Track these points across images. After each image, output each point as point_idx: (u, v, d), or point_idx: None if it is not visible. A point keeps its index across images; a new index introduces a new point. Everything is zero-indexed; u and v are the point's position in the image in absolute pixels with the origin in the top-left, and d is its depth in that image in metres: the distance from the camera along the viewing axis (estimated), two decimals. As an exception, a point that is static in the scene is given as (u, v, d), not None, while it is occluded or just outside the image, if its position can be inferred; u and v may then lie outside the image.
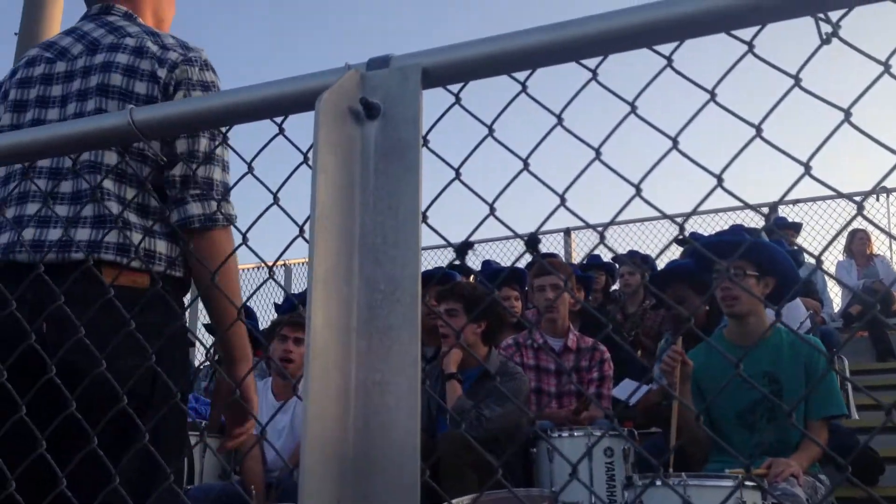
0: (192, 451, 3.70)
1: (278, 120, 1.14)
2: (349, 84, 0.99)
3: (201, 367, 5.70)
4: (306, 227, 1.11)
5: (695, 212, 0.98)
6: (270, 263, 1.23)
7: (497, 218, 0.99)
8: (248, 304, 6.49)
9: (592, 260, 6.49)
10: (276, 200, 1.13)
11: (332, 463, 0.88)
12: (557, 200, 0.96)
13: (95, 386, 1.32)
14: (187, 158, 1.67)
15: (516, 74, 1.03)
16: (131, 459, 1.35)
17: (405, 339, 0.93)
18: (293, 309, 5.45)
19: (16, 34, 7.18)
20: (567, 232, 9.15)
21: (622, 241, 9.02)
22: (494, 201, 0.99)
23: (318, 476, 0.86)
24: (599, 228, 1.02)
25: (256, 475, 3.84)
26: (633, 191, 0.91)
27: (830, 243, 0.85)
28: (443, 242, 1.32)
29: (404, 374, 0.92)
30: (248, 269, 9.65)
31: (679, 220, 0.99)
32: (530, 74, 1.00)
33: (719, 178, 0.85)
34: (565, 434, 3.25)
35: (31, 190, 1.70)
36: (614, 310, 5.66)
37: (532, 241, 4.73)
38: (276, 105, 1.09)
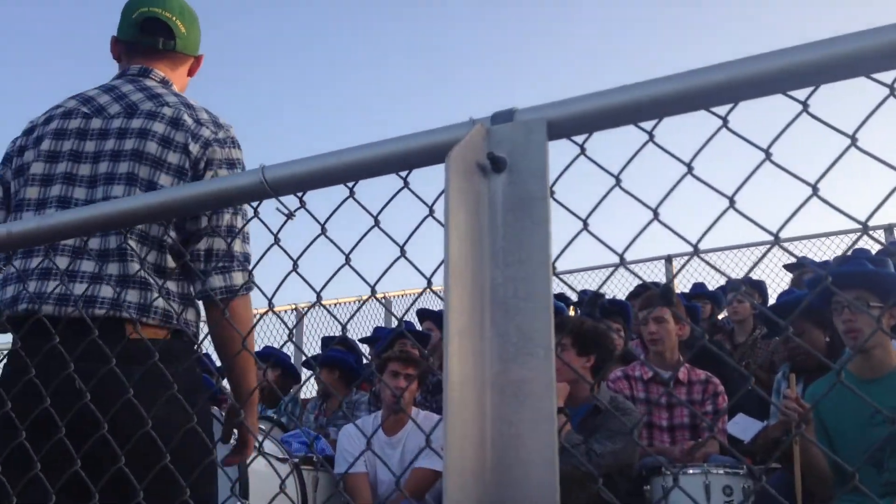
0: (306, 483, 3.77)
1: (403, 174, 1.17)
2: (476, 139, 1.01)
3: (314, 398, 5.82)
4: (433, 279, 1.13)
5: (843, 256, 0.95)
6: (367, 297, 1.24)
7: (629, 269, 0.98)
8: (350, 337, 6.60)
9: (697, 289, 6.33)
10: (402, 253, 1.15)
11: (472, 518, 0.88)
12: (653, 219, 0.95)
13: (125, 438, 1.40)
14: (210, 232, 1.81)
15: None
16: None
17: (539, 392, 0.93)
18: (390, 342, 5.51)
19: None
20: (668, 259, 8.94)
21: (726, 267, 8.77)
22: (625, 252, 0.98)
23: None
24: (740, 284, 1.00)
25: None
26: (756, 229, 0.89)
27: None
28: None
29: (540, 428, 0.92)
30: (349, 303, 9.80)
31: (787, 245, 0.96)
32: (657, 124, 0.99)
33: (865, 226, 0.83)
34: (680, 471, 3.16)
35: (59, 243, 1.79)
36: (723, 340, 5.50)
37: (666, 292, 4.64)
38: (404, 160, 1.12)
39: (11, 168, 1.96)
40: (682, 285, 7.99)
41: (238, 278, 1.84)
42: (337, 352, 5.46)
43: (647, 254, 8.74)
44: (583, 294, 6.82)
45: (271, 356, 5.80)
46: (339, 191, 1.23)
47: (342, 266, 1.16)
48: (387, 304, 10.10)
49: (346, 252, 1.18)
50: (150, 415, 1.41)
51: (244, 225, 1.88)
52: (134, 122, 1.89)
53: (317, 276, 1.24)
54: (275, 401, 5.56)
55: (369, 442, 1.18)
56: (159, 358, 1.46)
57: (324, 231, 1.20)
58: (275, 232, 1.24)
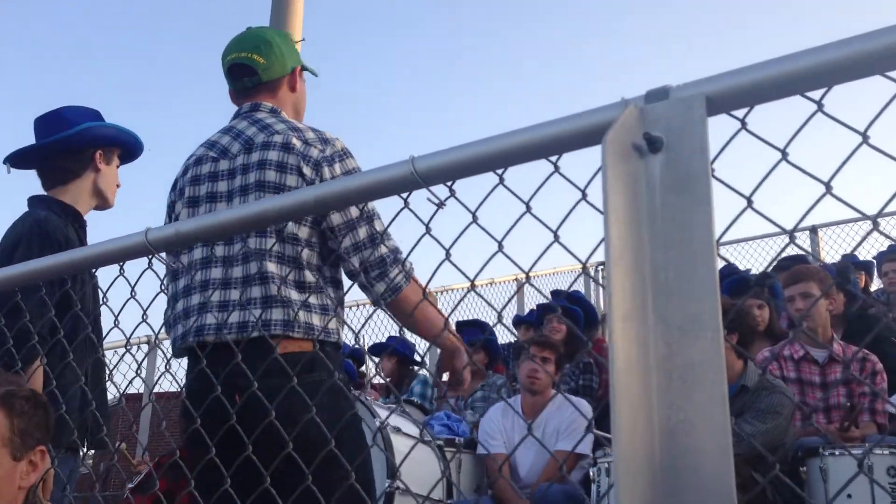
0: (450, 466, 3.84)
1: (552, 158, 1.16)
2: (630, 119, 0.99)
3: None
4: (589, 264, 1.12)
5: None
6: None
7: (797, 245, 0.94)
8: (483, 320, 6.64)
9: (848, 260, 6.00)
10: (556, 238, 1.14)
11: (644, 505, 0.87)
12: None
13: (279, 444, 1.49)
14: (352, 251, 1.95)
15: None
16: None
17: (709, 376, 0.90)
18: (538, 321, 5.52)
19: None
20: (813, 230, 8.48)
21: (879, 237, 8.21)
22: (794, 230, 0.94)
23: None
24: None
25: (507, 489, 3.92)
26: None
27: None
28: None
29: (711, 414, 0.89)
30: (482, 286, 9.83)
31: None
32: (826, 92, 0.94)
33: None
34: (838, 452, 3.02)
35: (210, 278, 1.99)
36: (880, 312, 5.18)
37: (843, 269, 4.43)
38: (555, 144, 1.11)
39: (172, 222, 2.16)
40: (830, 256, 7.60)
41: (397, 277, 1.98)
42: (474, 334, 5.51)
43: (790, 224, 8.27)
44: (726, 269, 6.56)
45: (389, 346, 5.93)
46: (481, 177, 1.24)
47: (495, 253, 1.17)
48: (520, 285, 10.04)
49: (499, 239, 1.18)
50: (297, 421, 1.55)
51: (384, 229, 2.01)
52: (253, 156, 2.04)
53: (464, 261, 1.25)
54: (400, 388, 5.69)
55: (530, 428, 1.17)
56: (304, 368, 1.62)
57: (475, 219, 1.21)
58: (426, 222, 1.25)
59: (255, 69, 2.20)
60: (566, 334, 5.20)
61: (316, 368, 1.84)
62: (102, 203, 2.66)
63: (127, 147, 2.71)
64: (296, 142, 2.03)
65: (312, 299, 1.95)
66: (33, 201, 2.57)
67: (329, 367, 1.80)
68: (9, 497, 1.52)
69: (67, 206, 2.55)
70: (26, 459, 1.55)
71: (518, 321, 6.41)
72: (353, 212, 1.96)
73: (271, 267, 1.92)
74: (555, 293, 6.41)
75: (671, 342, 0.93)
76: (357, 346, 4.99)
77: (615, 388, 0.87)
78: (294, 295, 1.92)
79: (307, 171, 1.99)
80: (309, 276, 1.96)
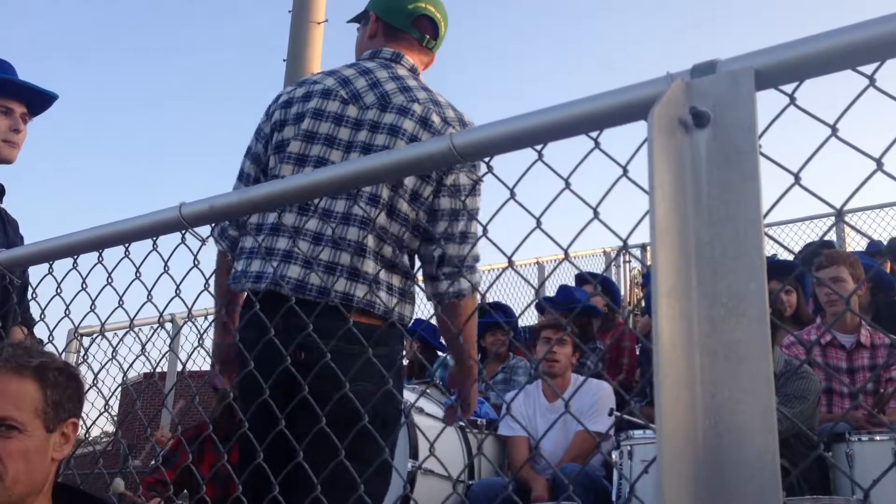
0: (472, 447, 3.85)
1: (593, 134, 1.14)
2: (676, 94, 0.98)
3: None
4: (611, 248, 1.11)
5: None
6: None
7: (848, 223, 0.92)
8: (505, 303, 6.62)
9: (874, 246, 5.92)
10: (596, 215, 1.13)
11: (689, 482, 0.87)
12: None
13: (338, 404, 1.50)
14: (444, 239, 1.86)
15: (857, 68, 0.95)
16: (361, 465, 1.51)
17: (754, 355, 0.89)
18: (570, 301, 5.51)
19: (284, 60, 7.75)
20: (840, 215, 8.34)
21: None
22: (843, 207, 0.92)
23: (675, 493, 0.85)
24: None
25: (527, 470, 3.93)
26: None
27: None
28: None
29: (755, 392, 0.88)
30: (496, 269, 9.75)
31: None
32: (878, 68, 0.92)
33: None
34: (865, 438, 3.00)
35: (303, 226, 1.88)
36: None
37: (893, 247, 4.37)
38: (597, 119, 1.10)
39: (271, 142, 2.02)
40: (856, 243, 7.50)
41: (465, 284, 1.93)
42: (495, 317, 5.50)
43: (814, 210, 8.14)
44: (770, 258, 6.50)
45: (415, 331, 5.92)
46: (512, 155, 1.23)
47: (534, 229, 1.16)
48: (540, 270, 10.01)
49: (537, 216, 1.17)
50: (353, 386, 1.54)
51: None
52: (386, 117, 1.93)
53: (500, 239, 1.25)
54: (421, 372, 5.71)
55: (567, 404, 1.16)
56: (372, 343, 1.58)
57: (513, 195, 1.20)
58: (462, 198, 1.25)
59: (439, 35, 2.12)
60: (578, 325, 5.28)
61: (380, 344, 1.79)
62: None
63: None
64: (435, 118, 1.93)
65: (397, 282, 1.90)
66: None
67: (396, 347, 1.80)
68: (42, 469, 1.52)
69: None
70: (59, 431, 1.56)
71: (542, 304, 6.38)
72: (460, 203, 1.82)
73: (370, 241, 1.85)
74: (578, 276, 6.36)
75: (716, 319, 0.92)
76: None
77: (660, 364, 0.87)
78: (382, 275, 1.87)
79: None
80: (403, 258, 1.90)
